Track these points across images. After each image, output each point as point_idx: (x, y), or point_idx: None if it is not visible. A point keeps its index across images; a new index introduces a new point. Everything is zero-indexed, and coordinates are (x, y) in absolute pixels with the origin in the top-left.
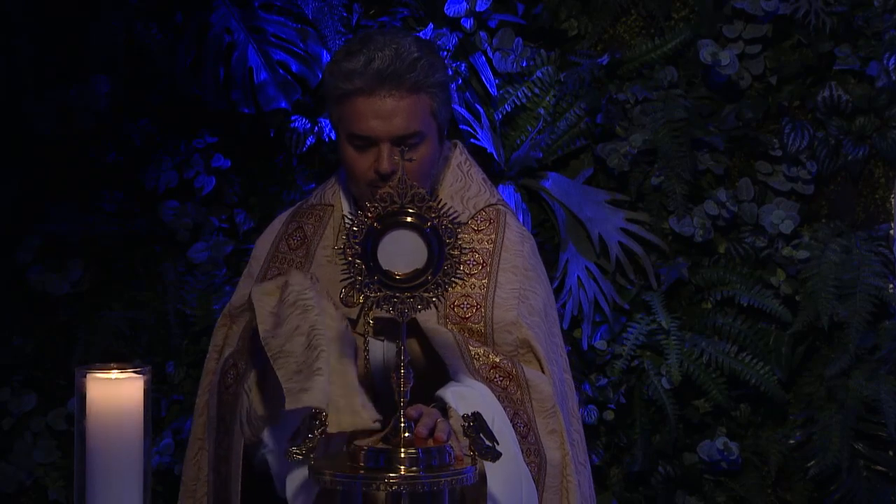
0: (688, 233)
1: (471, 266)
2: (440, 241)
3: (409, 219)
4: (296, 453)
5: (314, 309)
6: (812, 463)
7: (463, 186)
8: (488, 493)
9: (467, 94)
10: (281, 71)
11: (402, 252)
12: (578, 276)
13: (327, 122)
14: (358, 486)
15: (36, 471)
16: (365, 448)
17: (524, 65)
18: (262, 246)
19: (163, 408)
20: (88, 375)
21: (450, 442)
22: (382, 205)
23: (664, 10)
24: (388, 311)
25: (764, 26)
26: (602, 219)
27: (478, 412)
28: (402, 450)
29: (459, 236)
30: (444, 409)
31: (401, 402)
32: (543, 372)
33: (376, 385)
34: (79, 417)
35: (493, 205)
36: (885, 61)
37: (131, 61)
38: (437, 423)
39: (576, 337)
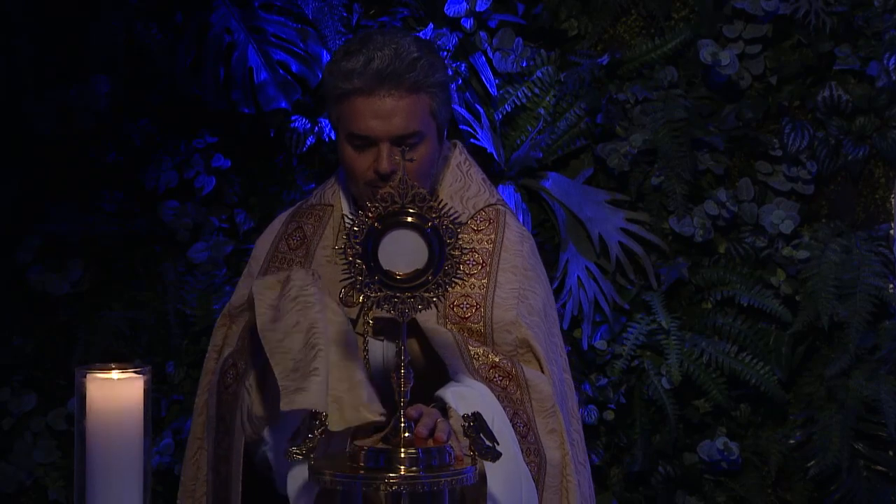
0: (688, 233)
1: (470, 266)
2: (441, 241)
3: (409, 219)
4: (296, 453)
5: (315, 306)
6: (812, 463)
7: (462, 186)
8: (488, 493)
9: (467, 94)
10: (281, 71)
11: (402, 252)
12: (578, 276)
13: (327, 122)
14: (358, 486)
15: (36, 471)
16: (365, 448)
17: (524, 65)
18: (262, 246)
19: (163, 408)
20: (88, 375)
21: (450, 442)
22: (383, 205)
23: (664, 10)
24: (388, 311)
25: (764, 26)
26: (602, 219)
27: (478, 412)
28: (402, 450)
29: (460, 236)
30: (443, 409)
31: (401, 402)
32: (543, 372)
33: (376, 385)
34: (79, 417)
35: (492, 205)
36: (885, 61)
37: (131, 61)
38: (438, 423)
39: (576, 337)
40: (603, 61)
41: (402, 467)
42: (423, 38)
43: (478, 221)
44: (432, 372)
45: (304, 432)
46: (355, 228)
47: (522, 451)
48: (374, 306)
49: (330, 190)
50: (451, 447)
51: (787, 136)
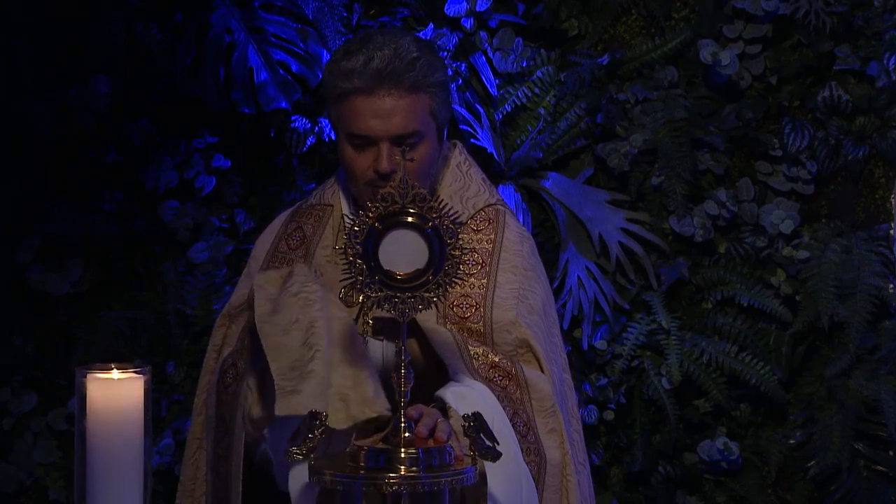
0: (688, 233)
1: (470, 266)
2: (441, 241)
3: (410, 219)
4: (296, 453)
5: (316, 304)
6: (812, 463)
7: (462, 186)
8: (488, 493)
9: (467, 94)
10: (281, 71)
11: (403, 252)
12: (578, 276)
13: (327, 122)
14: (358, 486)
15: (36, 471)
16: (365, 448)
17: (524, 65)
18: (262, 246)
19: (163, 408)
20: (88, 375)
21: (450, 442)
22: (384, 205)
23: (664, 10)
24: (388, 311)
25: (764, 26)
26: (602, 219)
27: (478, 412)
28: (403, 450)
29: (460, 236)
30: (444, 409)
31: (401, 402)
32: (542, 371)
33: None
34: (79, 417)
35: (492, 205)
36: (885, 61)
37: (131, 61)
38: (438, 423)
39: (576, 337)
40: (603, 61)
41: (403, 467)
42: (423, 38)
43: (478, 221)
44: (432, 372)
45: (304, 432)
46: (356, 228)
47: (522, 451)
48: (375, 306)
49: (330, 190)
50: (452, 447)
51: (787, 136)
